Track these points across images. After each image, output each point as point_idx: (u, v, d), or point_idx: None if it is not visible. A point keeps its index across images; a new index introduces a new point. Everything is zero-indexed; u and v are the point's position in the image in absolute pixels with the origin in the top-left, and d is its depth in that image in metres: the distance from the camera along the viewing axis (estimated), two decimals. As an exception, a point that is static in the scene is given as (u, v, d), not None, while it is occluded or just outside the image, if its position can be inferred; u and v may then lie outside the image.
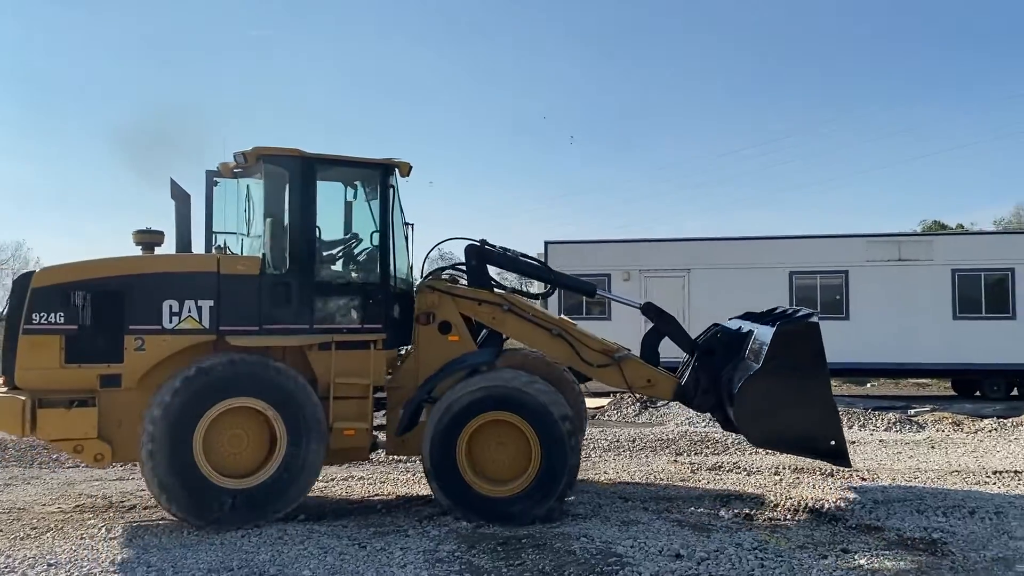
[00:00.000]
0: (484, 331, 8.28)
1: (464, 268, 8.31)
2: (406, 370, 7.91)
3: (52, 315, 6.84)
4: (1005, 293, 18.64)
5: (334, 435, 7.39)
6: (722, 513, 7.65)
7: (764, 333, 7.61)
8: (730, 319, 8.90)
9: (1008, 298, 18.62)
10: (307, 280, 7.41)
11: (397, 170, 7.87)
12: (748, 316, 8.64)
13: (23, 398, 6.76)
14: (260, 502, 7.07)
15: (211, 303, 7.11)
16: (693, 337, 8.64)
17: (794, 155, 79.15)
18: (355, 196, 8.27)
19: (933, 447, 12.04)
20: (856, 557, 6.14)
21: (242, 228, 8.30)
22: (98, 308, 6.93)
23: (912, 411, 15.51)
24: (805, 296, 18.91)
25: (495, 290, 8.20)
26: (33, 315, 6.83)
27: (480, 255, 8.23)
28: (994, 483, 9.04)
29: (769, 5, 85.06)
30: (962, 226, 43.57)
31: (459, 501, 7.22)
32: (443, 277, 8.29)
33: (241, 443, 7.14)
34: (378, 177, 7.84)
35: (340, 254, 8.13)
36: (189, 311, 7.08)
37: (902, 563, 6.00)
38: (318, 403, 7.23)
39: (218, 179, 8.22)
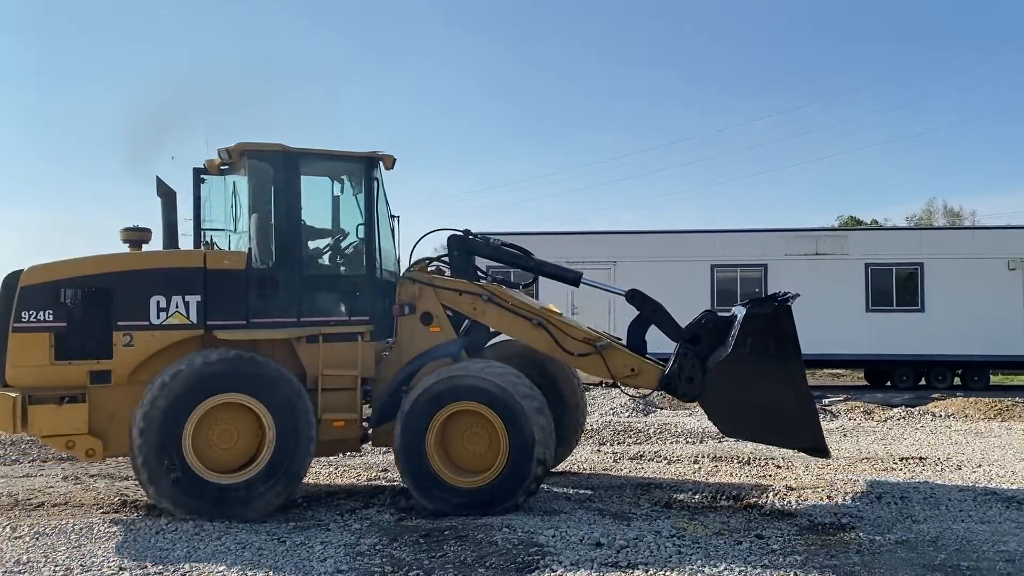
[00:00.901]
0: (466, 321, 8.23)
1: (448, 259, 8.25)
2: (389, 362, 7.89)
3: (41, 313, 6.92)
4: (915, 287, 19.42)
5: (323, 426, 7.37)
6: (642, 501, 7.79)
7: (741, 317, 7.45)
8: (737, 304, 8.74)
9: (918, 291, 19.40)
10: (293, 273, 7.47)
11: (381, 163, 7.87)
12: (750, 302, 8.36)
13: (14, 395, 6.83)
14: (250, 497, 7.00)
15: (198, 298, 7.15)
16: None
17: (716, 151, 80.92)
18: (340, 189, 8.28)
19: (845, 435, 12.49)
20: (770, 542, 6.32)
21: (229, 224, 8.30)
22: (86, 305, 7.01)
23: (826, 400, 16.04)
24: (726, 289, 19.38)
25: (480, 280, 8.11)
26: (22, 313, 6.91)
27: (462, 245, 8.17)
28: (900, 469, 9.43)
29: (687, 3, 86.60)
30: (876, 222, 45.23)
31: (425, 488, 7.19)
32: (430, 268, 8.23)
33: (232, 436, 7.08)
34: (362, 170, 7.88)
35: (326, 247, 8.11)
36: (176, 306, 7.12)
37: (813, 547, 6.20)
38: (309, 405, 7.19)
39: (205, 176, 8.20)
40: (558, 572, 5.61)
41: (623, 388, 8.38)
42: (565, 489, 8.32)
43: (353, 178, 8.10)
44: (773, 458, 9.97)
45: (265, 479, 7.03)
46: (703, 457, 10.13)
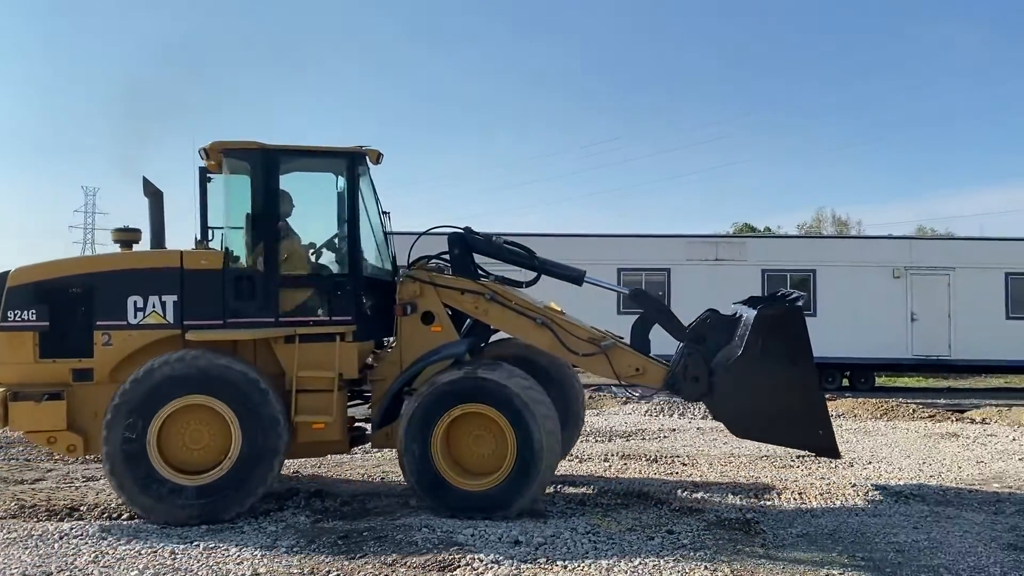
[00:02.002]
0: (468, 320, 8.12)
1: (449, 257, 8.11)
2: (390, 362, 7.73)
3: (26, 312, 7.12)
4: (807, 292, 20.32)
5: (302, 429, 7.28)
6: (557, 499, 7.93)
7: (750, 317, 7.46)
8: (733, 304, 8.84)
9: (810, 297, 20.31)
10: (271, 273, 7.33)
11: (367, 158, 7.71)
12: (751, 301, 8.58)
13: None
14: (215, 499, 6.91)
15: (175, 298, 7.20)
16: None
17: (622, 157, 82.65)
18: (323, 187, 8.11)
19: (744, 434, 12.93)
20: (680, 538, 6.55)
21: (224, 222, 8.06)
22: (69, 305, 7.15)
23: (726, 401, 16.60)
24: (632, 292, 19.79)
25: (480, 278, 7.96)
26: (8, 312, 7.10)
27: (464, 243, 8.03)
28: (798, 466, 9.87)
29: (596, 15, 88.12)
30: (769, 229, 47.00)
31: (430, 491, 7.10)
32: (430, 266, 8.05)
33: (202, 439, 7.01)
34: (344, 166, 7.68)
35: (306, 246, 7.91)
36: (153, 306, 7.19)
37: (721, 542, 6.47)
38: (274, 400, 7.02)
39: (211, 175, 7.97)
40: (479, 570, 5.69)
41: (627, 388, 8.31)
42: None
43: (336, 175, 7.92)
44: (679, 456, 10.31)
45: (259, 440, 6.93)
46: (612, 455, 10.37)
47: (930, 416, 14.70)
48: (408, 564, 5.80)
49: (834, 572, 5.71)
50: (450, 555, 5.96)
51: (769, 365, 7.13)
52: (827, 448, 7.42)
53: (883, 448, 11.27)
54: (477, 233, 8.17)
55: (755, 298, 8.35)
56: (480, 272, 8.06)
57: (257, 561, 5.88)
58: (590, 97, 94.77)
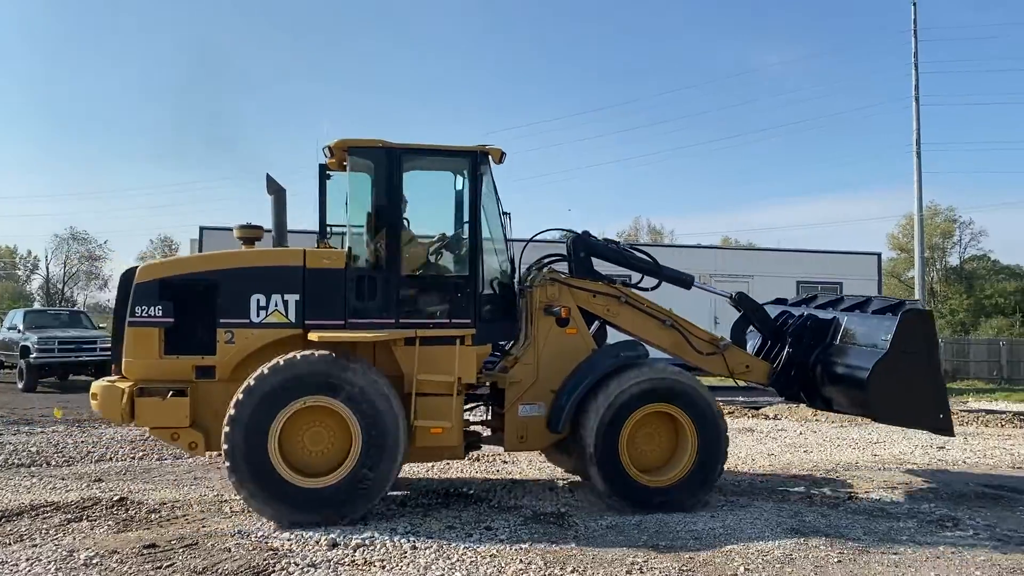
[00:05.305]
0: (596, 323, 8.15)
1: (564, 259, 8.22)
2: (525, 364, 7.70)
3: (152, 308, 7.04)
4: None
5: (420, 433, 7.16)
6: (376, 501, 7.90)
7: (859, 321, 8.30)
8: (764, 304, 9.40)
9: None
10: (393, 273, 7.21)
11: (489, 157, 7.45)
12: (781, 302, 9.51)
13: (123, 387, 7.00)
14: (333, 503, 6.81)
15: (297, 297, 7.10)
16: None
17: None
18: (446, 186, 7.93)
19: (563, 432, 13.40)
20: (498, 533, 6.74)
21: (346, 222, 7.77)
22: (192, 302, 7.07)
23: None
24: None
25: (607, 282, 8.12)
26: (136, 308, 7.05)
27: (587, 247, 8.02)
28: (610, 462, 10.35)
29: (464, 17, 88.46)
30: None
31: (620, 490, 7.36)
32: (544, 269, 7.98)
33: (321, 441, 6.92)
34: (468, 165, 7.42)
35: (428, 246, 7.60)
36: (275, 305, 7.12)
37: (536, 535, 6.70)
38: (395, 405, 6.80)
39: (331, 172, 7.81)
40: (294, 574, 5.59)
41: (737, 382, 8.69)
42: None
43: (459, 174, 7.71)
44: (500, 454, 10.53)
45: (377, 445, 6.84)
46: (434, 456, 10.43)
47: (729, 412, 15.81)
48: (220, 571, 5.62)
49: (639, 560, 6.05)
50: (264, 560, 5.82)
51: (909, 360, 7.89)
52: (946, 428, 8.16)
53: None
54: (594, 236, 8.32)
55: (783, 299, 9.75)
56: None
57: (52, 574, 5.50)
58: (428, 99, 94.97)
